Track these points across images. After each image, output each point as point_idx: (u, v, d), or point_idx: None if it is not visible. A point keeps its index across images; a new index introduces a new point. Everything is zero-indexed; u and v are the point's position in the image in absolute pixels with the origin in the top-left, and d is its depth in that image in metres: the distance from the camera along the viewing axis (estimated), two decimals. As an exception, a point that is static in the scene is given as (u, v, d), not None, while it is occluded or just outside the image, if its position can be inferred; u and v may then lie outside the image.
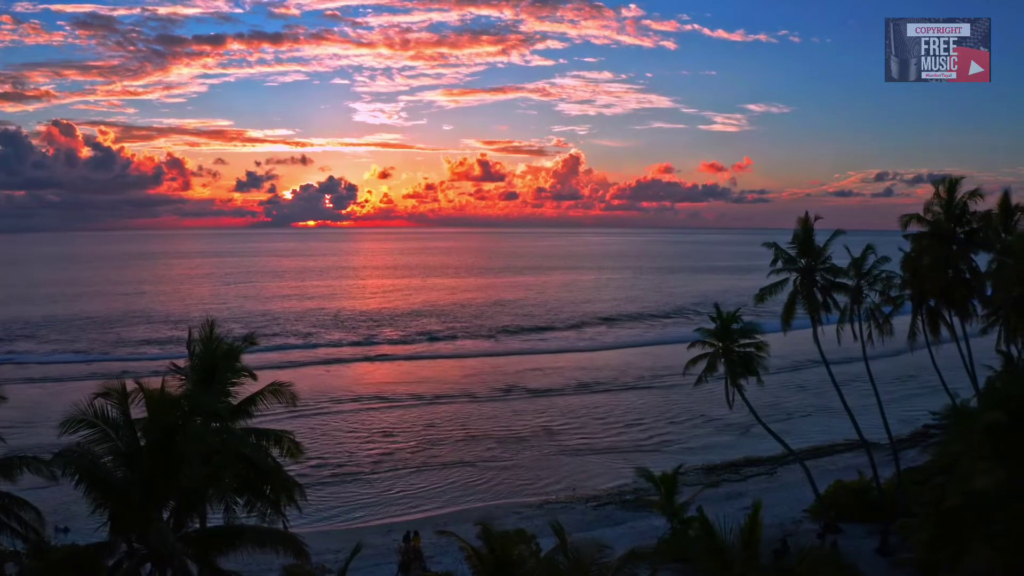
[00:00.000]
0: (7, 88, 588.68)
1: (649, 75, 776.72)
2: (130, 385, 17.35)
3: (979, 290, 35.24)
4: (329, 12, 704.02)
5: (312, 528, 34.11)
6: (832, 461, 43.98)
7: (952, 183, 34.66)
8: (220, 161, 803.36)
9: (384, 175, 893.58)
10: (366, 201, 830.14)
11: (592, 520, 35.20)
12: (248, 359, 22.10)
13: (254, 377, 21.88)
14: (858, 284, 34.05)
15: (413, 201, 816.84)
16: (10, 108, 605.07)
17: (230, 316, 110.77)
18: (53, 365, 74.84)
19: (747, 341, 32.30)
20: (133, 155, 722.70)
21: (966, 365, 35.45)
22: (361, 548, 20.13)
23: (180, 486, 16.75)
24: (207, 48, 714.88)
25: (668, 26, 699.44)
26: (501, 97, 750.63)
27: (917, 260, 34.93)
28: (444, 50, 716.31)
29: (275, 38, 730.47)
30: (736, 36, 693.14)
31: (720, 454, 45.90)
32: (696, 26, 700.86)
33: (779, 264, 33.99)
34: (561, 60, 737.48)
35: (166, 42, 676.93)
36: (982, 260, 35.87)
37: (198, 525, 17.95)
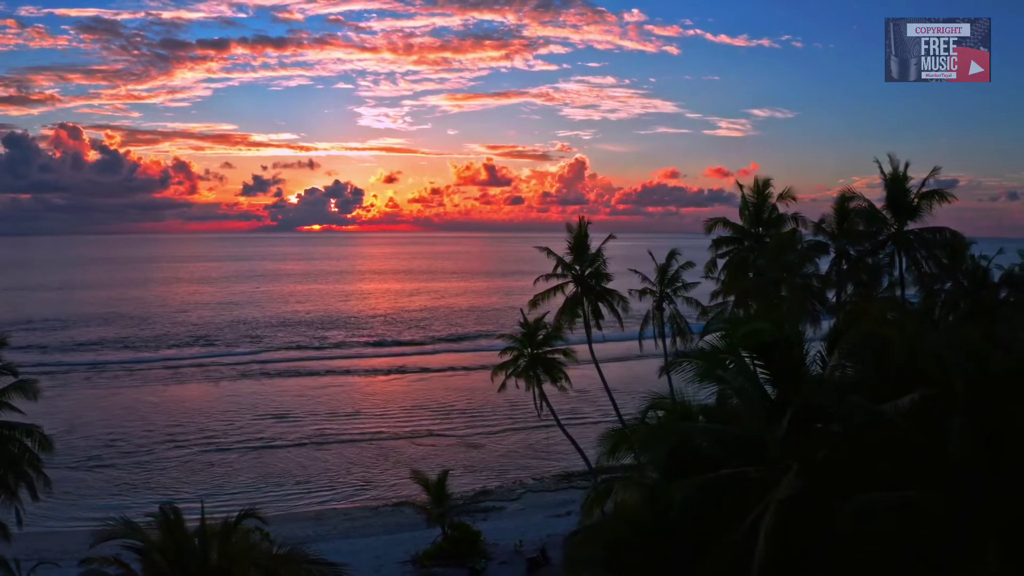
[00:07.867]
0: (12, 92, 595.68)
1: (652, 80, 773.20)
2: None
3: (818, 294, 35.32)
4: (332, 17, 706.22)
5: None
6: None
7: (761, 184, 34.30)
8: (227, 165, 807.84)
9: (390, 179, 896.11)
10: (371, 205, 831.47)
11: (408, 524, 36.58)
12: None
13: (15, 374, 24.16)
14: (661, 291, 34.91)
15: (419, 205, 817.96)
16: (15, 111, 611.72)
17: (207, 321, 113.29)
18: None
19: (551, 348, 33.83)
20: (139, 158, 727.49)
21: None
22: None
23: None
24: (211, 52, 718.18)
25: (671, 31, 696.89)
26: (505, 102, 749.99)
27: (730, 264, 35.31)
28: (447, 55, 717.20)
29: (279, 43, 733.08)
30: (739, 41, 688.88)
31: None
32: (699, 31, 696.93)
33: (559, 270, 34.86)
34: (564, 65, 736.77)
35: (170, 46, 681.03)
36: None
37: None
